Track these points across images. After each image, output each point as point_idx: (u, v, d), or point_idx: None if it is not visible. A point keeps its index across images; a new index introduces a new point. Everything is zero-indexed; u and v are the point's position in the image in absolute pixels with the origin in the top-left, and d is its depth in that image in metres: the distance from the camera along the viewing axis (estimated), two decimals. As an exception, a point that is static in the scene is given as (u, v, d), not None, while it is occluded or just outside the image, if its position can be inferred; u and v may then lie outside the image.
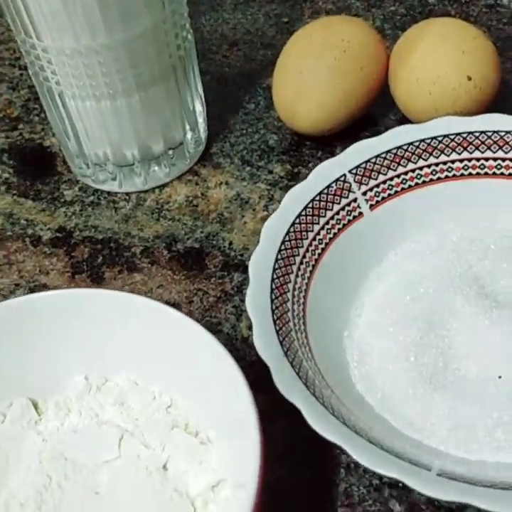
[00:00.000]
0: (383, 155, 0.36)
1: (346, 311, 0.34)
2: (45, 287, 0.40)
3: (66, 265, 0.41)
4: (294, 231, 0.33)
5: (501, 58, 0.47)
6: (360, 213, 0.35)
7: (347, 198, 0.35)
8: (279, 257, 0.32)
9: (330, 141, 0.44)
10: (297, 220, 0.34)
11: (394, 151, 0.36)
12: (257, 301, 0.30)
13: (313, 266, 0.34)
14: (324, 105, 0.42)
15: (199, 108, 0.44)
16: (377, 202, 0.36)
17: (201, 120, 0.44)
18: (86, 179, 0.44)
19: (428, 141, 0.36)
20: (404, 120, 0.44)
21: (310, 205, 0.34)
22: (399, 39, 0.43)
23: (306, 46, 0.42)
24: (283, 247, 0.33)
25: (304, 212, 0.34)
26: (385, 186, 0.36)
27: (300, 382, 0.28)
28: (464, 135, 0.36)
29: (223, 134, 0.46)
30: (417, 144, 0.36)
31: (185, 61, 0.41)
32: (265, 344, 0.29)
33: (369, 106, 0.43)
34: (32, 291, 0.39)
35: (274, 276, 0.32)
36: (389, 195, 0.36)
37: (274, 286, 0.31)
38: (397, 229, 0.36)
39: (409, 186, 0.36)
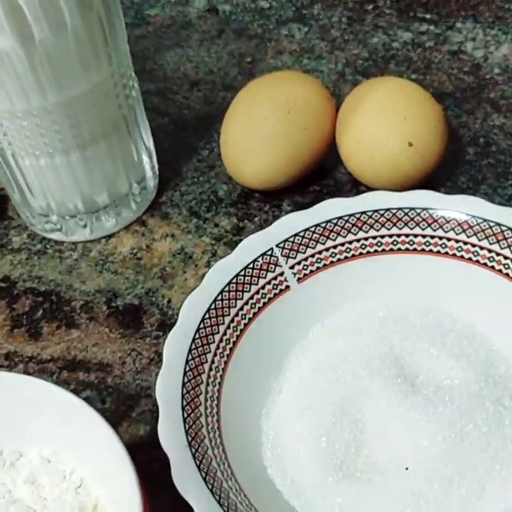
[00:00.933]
0: (312, 228, 0.36)
1: (267, 386, 0.34)
2: (-17, 341, 0.40)
3: (6, 318, 0.41)
4: (215, 308, 0.34)
5: (457, 110, 0.47)
6: (287, 286, 0.36)
7: (273, 271, 0.35)
8: (197, 336, 0.33)
9: (278, 195, 0.44)
10: (219, 297, 0.34)
11: (323, 224, 0.36)
12: (167, 385, 0.31)
13: (234, 342, 0.34)
14: (269, 166, 0.42)
15: (146, 160, 0.44)
16: (305, 275, 0.36)
17: (149, 171, 0.44)
18: (33, 227, 0.44)
19: (357, 215, 0.36)
20: (352, 175, 0.44)
21: (234, 281, 0.34)
22: (346, 98, 0.43)
23: (251, 105, 0.42)
24: (202, 326, 0.33)
25: (227, 288, 0.34)
26: (313, 260, 0.36)
27: (199, 476, 0.28)
28: (394, 211, 0.36)
29: (175, 181, 0.46)
30: (346, 218, 0.36)
31: (128, 118, 0.41)
32: (169, 433, 0.29)
33: (316, 163, 0.43)
34: (-29, 344, 0.40)
35: (189, 357, 0.32)
36: (317, 268, 0.36)
37: (187, 369, 0.32)
38: (325, 302, 0.36)
39: (338, 260, 0.36)
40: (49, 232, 0.44)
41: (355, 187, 0.44)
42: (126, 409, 0.37)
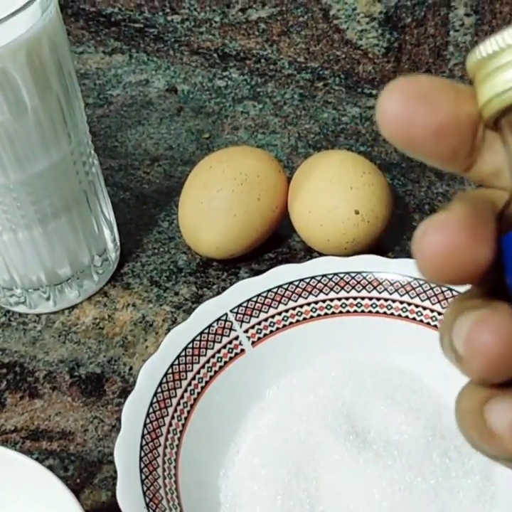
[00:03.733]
0: (264, 294, 0.37)
1: (225, 446, 0.35)
2: None
3: (-30, 390, 0.42)
4: (173, 372, 0.35)
5: (403, 179, 0.50)
6: (242, 350, 0.37)
7: (228, 336, 0.37)
8: (155, 400, 0.34)
9: (235, 263, 0.46)
10: (176, 361, 0.35)
11: (274, 290, 0.38)
12: (125, 448, 0.32)
13: (192, 405, 0.35)
14: (224, 234, 0.44)
15: (107, 232, 0.46)
16: (258, 338, 0.37)
17: (111, 243, 0.46)
18: (-2, 300, 0.46)
19: (307, 280, 0.38)
20: (305, 242, 0.46)
21: (190, 345, 0.36)
22: (296, 170, 0.45)
23: (206, 177, 0.44)
24: (159, 390, 0.34)
25: (183, 353, 0.36)
26: (267, 323, 0.37)
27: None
28: (341, 275, 0.38)
29: (136, 252, 0.48)
30: (296, 283, 0.38)
31: (88, 193, 0.43)
32: (127, 496, 0.30)
33: (271, 231, 0.45)
34: None
35: (148, 420, 0.33)
36: (271, 331, 0.37)
37: (146, 432, 0.33)
38: (279, 364, 0.37)
39: (290, 323, 0.38)
40: (13, 306, 0.45)
41: (308, 253, 0.46)
42: (88, 475, 0.38)
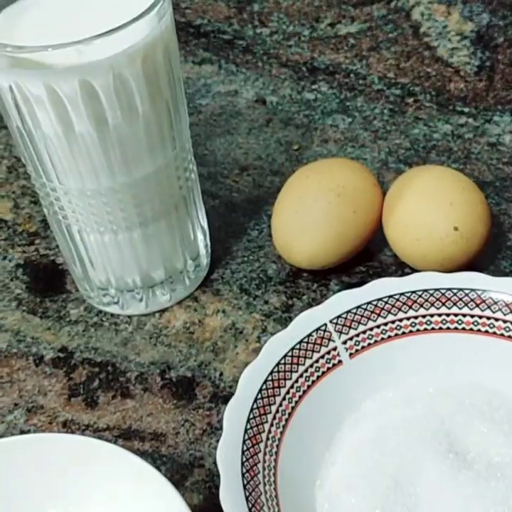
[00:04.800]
0: (364, 306, 0.37)
1: (321, 457, 0.35)
2: (41, 408, 0.41)
3: (64, 387, 0.43)
4: (272, 380, 0.35)
5: (497, 198, 0.50)
6: (340, 361, 0.37)
7: (327, 346, 0.37)
8: (255, 406, 0.34)
9: (325, 274, 0.46)
10: (276, 369, 0.35)
11: (374, 302, 0.37)
12: (227, 452, 0.32)
13: (290, 414, 0.35)
14: (318, 245, 0.44)
15: (201, 238, 0.46)
16: (356, 350, 0.37)
17: (203, 249, 0.47)
18: (91, 300, 0.46)
19: (408, 294, 0.37)
20: (397, 257, 0.46)
21: (289, 354, 0.36)
22: (393, 184, 0.45)
23: (302, 188, 0.44)
24: (259, 396, 0.34)
25: (283, 361, 0.36)
26: (365, 336, 0.37)
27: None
28: (443, 291, 0.37)
29: (225, 259, 0.49)
30: (397, 296, 0.37)
31: (187, 199, 0.43)
32: (231, 500, 0.30)
33: (363, 245, 0.45)
34: (29, 411, 0.41)
35: (248, 426, 0.33)
36: (369, 344, 0.37)
37: (246, 437, 0.33)
38: (376, 377, 0.37)
39: (389, 337, 0.37)
40: (106, 305, 0.46)
41: (400, 268, 0.46)
42: (180, 478, 0.38)
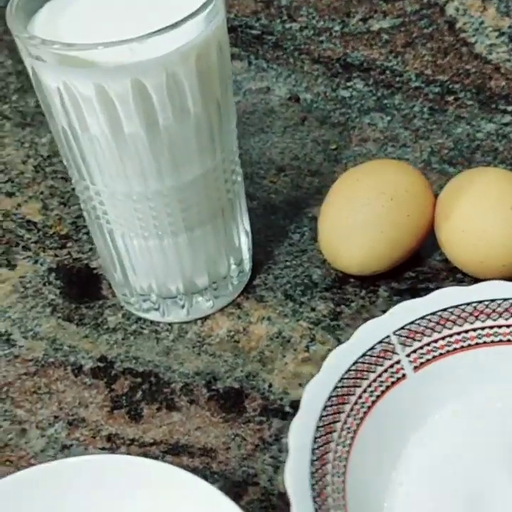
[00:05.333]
0: (428, 317, 0.36)
1: (387, 476, 0.34)
2: (83, 422, 0.40)
3: (105, 399, 0.41)
4: (336, 395, 0.33)
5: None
6: (404, 375, 0.35)
7: (390, 359, 0.35)
8: (320, 424, 0.32)
9: (373, 280, 0.45)
10: (339, 384, 0.34)
11: (439, 313, 0.36)
12: (296, 475, 0.30)
13: (355, 431, 0.33)
14: (369, 251, 0.42)
15: (244, 242, 0.44)
16: (421, 363, 0.35)
17: (246, 253, 0.45)
18: (129, 306, 0.44)
19: (474, 304, 0.36)
20: (448, 262, 0.44)
21: (353, 368, 0.34)
22: (445, 187, 0.43)
23: (353, 190, 0.43)
24: (324, 414, 0.33)
25: (346, 375, 0.34)
26: (430, 348, 0.35)
27: None
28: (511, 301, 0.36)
29: (267, 264, 0.47)
30: (463, 307, 0.36)
31: (233, 202, 0.41)
32: (303, 525, 0.29)
33: (415, 250, 0.43)
34: (70, 424, 0.40)
35: (314, 446, 0.31)
36: (433, 356, 0.36)
37: (314, 458, 0.31)
38: (441, 391, 0.35)
39: (454, 349, 0.36)
40: (146, 312, 0.44)
41: (452, 274, 0.44)
42: (234, 497, 0.36)
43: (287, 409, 0.39)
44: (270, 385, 0.41)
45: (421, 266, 0.45)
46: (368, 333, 0.35)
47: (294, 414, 0.33)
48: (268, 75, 0.61)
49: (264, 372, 0.41)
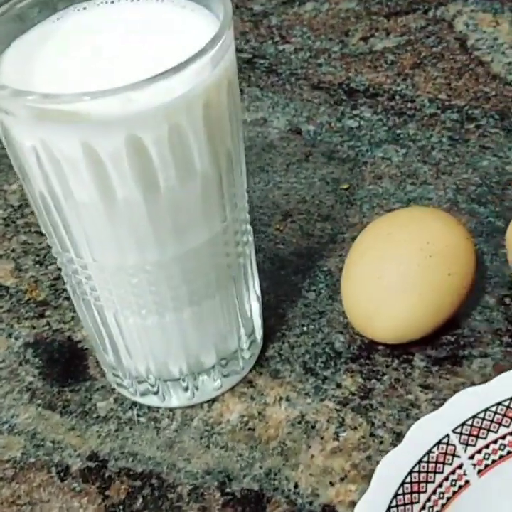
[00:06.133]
0: (493, 408, 0.29)
1: None
2: (74, 541, 0.33)
3: (99, 509, 0.34)
4: (392, 517, 0.27)
5: None
6: (467, 482, 0.29)
7: (451, 464, 0.29)
8: (377, 559, 0.26)
9: (405, 347, 0.38)
10: (393, 502, 0.27)
11: (506, 402, 0.29)
12: None
13: (415, 561, 0.27)
14: (405, 317, 0.36)
15: (256, 308, 0.38)
16: (486, 466, 0.29)
17: (258, 320, 0.38)
18: (122, 389, 0.38)
19: (548, 391, 0.30)
20: (491, 322, 0.38)
21: (408, 480, 0.28)
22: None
23: (383, 246, 0.36)
24: (380, 544, 0.26)
25: (400, 490, 0.28)
26: (496, 446, 0.29)
27: None
28: None
29: (281, 330, 0.40)
30: (534, 395, 0.30)
31: (245, 267, 0.35)
32: None
33: (457, 312, 0.37)
34: (58, 545, 0.33)
35: None
36: (500, 456, 0.29)
37: None
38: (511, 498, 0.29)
39: (525, 446, 0.29)
40: (142, 396, 0.37)
41: (497, 336, 0.38)
42: None
43: (319, 517, 0.33)
44: (296, 485, 0.34)
45: (459, 328, 0.39)
46: (422, 433, 0.29)
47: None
48: (263, 105, 0.55)
49: (288, 469, 0.35)
